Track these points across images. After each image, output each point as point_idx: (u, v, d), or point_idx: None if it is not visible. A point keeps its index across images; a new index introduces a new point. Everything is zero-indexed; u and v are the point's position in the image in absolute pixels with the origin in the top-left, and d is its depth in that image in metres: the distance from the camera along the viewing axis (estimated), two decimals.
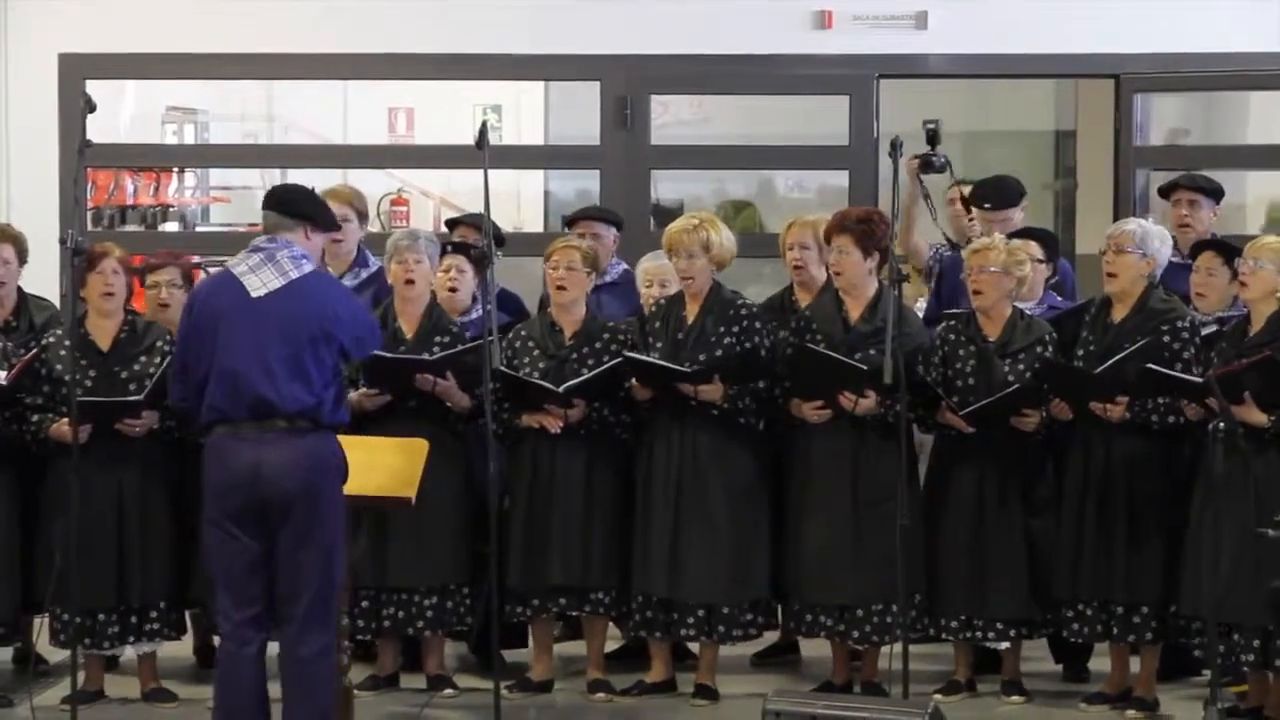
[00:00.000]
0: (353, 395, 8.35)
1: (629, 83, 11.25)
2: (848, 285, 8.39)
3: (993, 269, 8.32)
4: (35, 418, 8.25)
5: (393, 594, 8.43)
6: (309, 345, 6.92)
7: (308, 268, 7.04)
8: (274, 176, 13.37)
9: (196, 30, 11.13)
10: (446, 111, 13.48)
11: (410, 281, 8.52)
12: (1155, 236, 8.32)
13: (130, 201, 12.97)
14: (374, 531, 8.29)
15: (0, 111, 11.25)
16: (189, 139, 13.52)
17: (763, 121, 13.34)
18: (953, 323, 8.52)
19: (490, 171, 7.62)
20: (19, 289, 8.94)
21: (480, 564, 8.10)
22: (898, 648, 7.76)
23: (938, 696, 8.19)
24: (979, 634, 8.36)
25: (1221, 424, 7.54)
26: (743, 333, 8.39)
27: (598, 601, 8.49)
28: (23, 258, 8.89)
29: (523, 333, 8.64)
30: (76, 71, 10.98)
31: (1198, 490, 7.93)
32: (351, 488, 7.22)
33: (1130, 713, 8.22)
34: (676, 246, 8.46)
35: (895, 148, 7.87)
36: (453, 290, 8.77)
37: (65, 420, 7.96)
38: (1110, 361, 8.00)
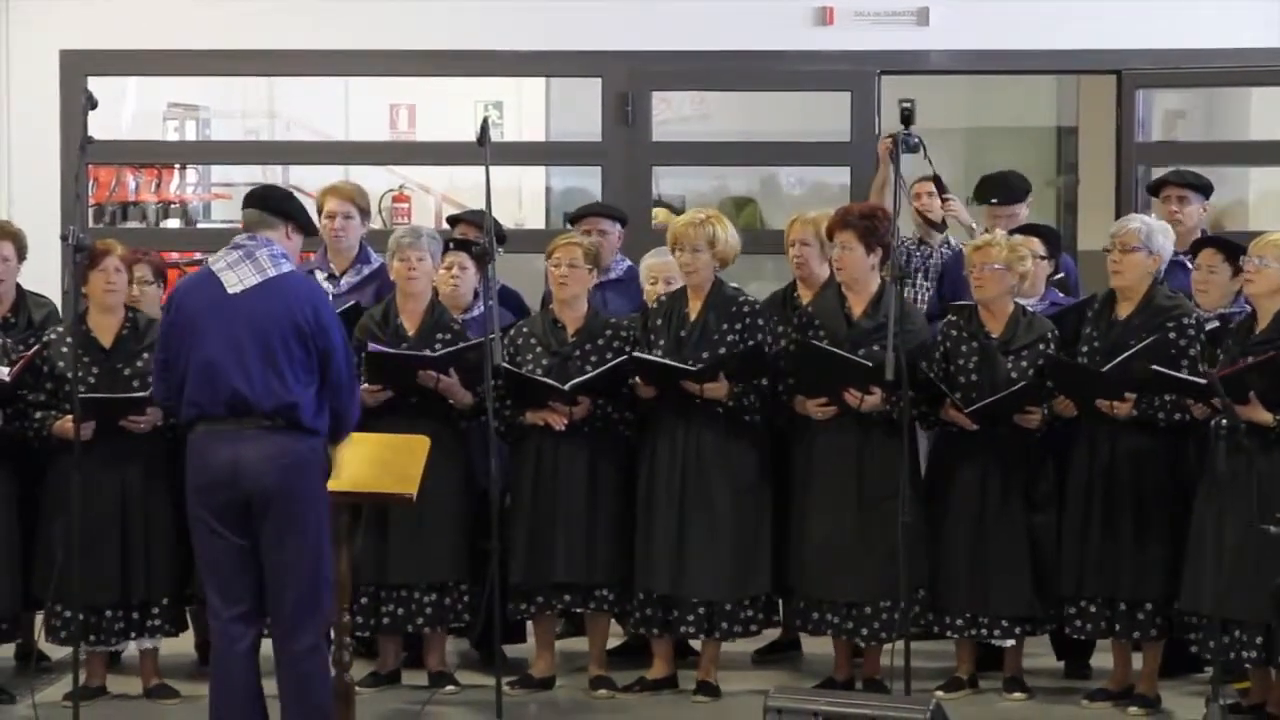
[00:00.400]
0: None
1: (630, 79, 11.24)
2: (850, 281, 8.39)
3: (995, 265, 8.32)
4: (38, 415, 8.25)
5: (392, 591, 8.43)
6: (282, 342, 6.89)
7: (286, 267, 7.02)
8: (276, 173, 13.38)
9: (198, 27, 11.13)
10: (448, 108, 13.46)
11: (412, 278, 8.52)
12: (1159, 232, 8.33)
13: (132, 198, 12.95)
14: (374, 528, 8.29)
15: (2, 108, 11.25)
16: (190, 135, 13.50)
17: (764, 118, 13.33)
18: (954, 318, 8.52)
19: (492, 168, 7.61)
20: (17, 286, 8.93)
21: (482, 561, 8.10)
22: (900, 644, 7.76)
23: (939, 693, 8.19)
24: (983, 631, 8.36)
25: (1224, 422, 7.53)
26: (746, 330, 8.39)
27: (602, 598, 8.50)
28: (22, 255, 8.89)
29: (525, 329, 8.64)
30: (78, 68, 10.98)
31: (1201, 487, 7.92)
32: (352, 484, 7.22)
33: (1132, 709, 8.23)
34: (682, 240, 8.45)
35: (897, 144, 7.87)
36: (454, 287, 8.77)
37: (69, 417, 7.96)
38: (1118, 359, 7.99)
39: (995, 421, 8.19)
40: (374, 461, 7.37)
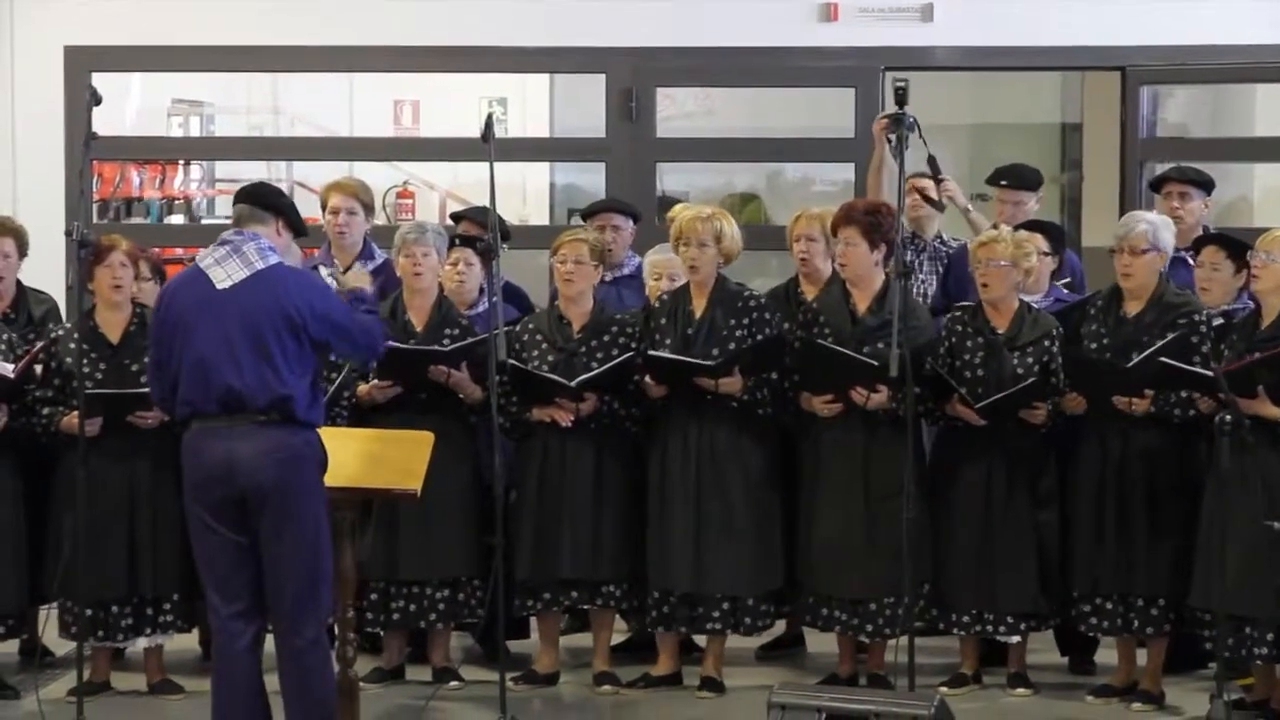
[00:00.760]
0: (363, 387, 8.38)
1: (634, 75, 11.25)
2: (854, 277, 8.38)
3: (1001, 262, 8.31)
4: (46, 411, 8.26)
5: (403, 587, 8.43)
6: (275, 334, 6.85)
7: (274, 259, 6.97)
8: (280, 169, 13.40)
9: (202, 23, 11.13)
10: (452, 104, 13.48)
11: (418, 274, 8.52)
12: (1163, 229, 8.33)
13: (136, 194, 12.97)
14: (384, 525, 8.30)
15: (6, 104, 11.26)
16: (194, 131, 13.52)
17: (768, 114, 13.34)
18: (959, 314, 8.51)
19: (496, 164, 7.61)
20: (18, 282, 8.93)
21: (490, 556, 8.10)
22: (904, 640, 7.76)
23: (944, 689, 8.19)
24: (989, 628, 8.36)
25: (1228, 417, 7.53)
26: (753, 324, 8.38)
27: (609, 595, 8.50)
28: (22, 251, 8.88)
29: (530, 325, 8.65)
30: (82, 64, 10.99)
31: (1208, 483, 7.92)
32: (356, 480, 7.22)
33: (1136, 705, 8.22)
34: (688, 234, 8.45)
35: (901, 140, 7.86)
36: (460, 283, 8.77)
37: (75, 413, 7.96)
38: (1143, 355, 7.97)
39: (1001, 417, 8.19)
40: (377, 457, 7.36)
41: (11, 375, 8.13)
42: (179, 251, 11.55)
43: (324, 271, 9.17)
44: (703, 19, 11.16)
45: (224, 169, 13.63)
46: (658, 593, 8.43)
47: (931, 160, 9.44)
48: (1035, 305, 8.50)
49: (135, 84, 12.89)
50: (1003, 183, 9.49)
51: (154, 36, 11.18)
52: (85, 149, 7.66)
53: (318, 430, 6.98)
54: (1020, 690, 8.43)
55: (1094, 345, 8.26)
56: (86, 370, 8.01)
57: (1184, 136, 12.60)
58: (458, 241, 8.84)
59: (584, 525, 8.43)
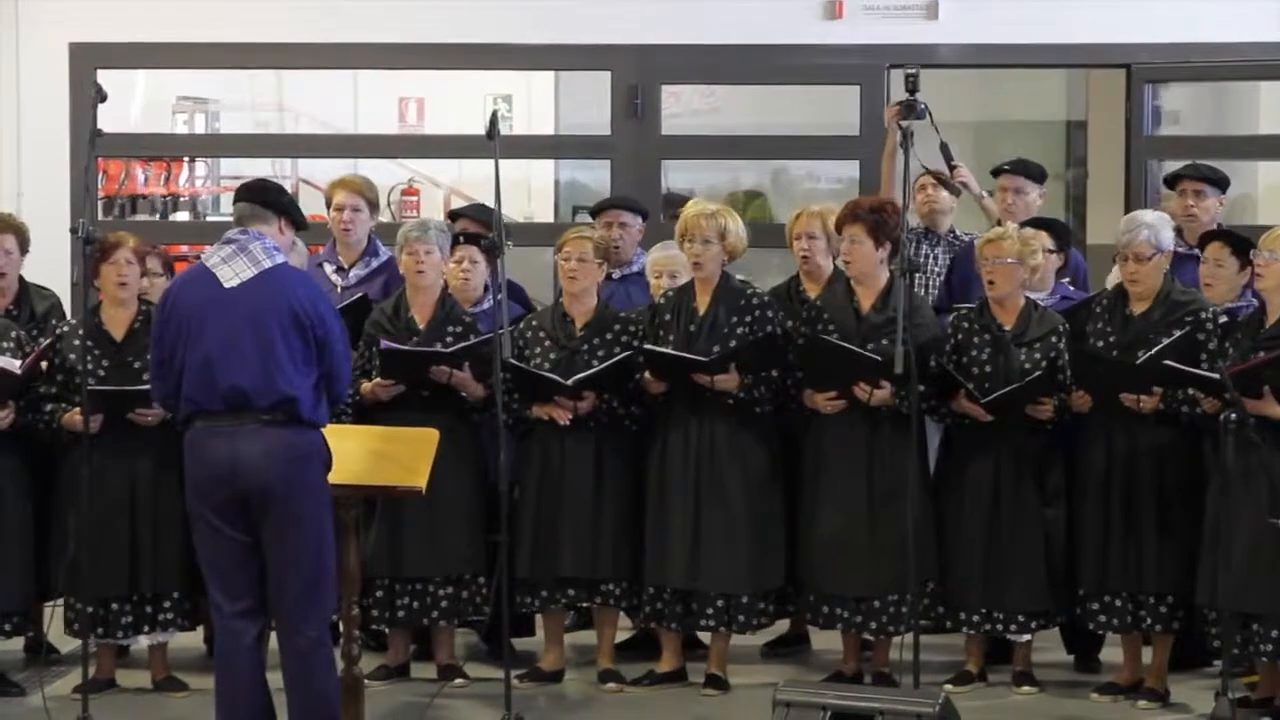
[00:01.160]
0: (366, 385, 8.37)
1: (640, 72, 11.25)
2: (859, 275, 8.38)
3: (1008, 260, 8.31)
4: (49, 407, 8.26)
5: (407, 584, 8.44)
6: (282, 333, 6.85)
7: (280, 258, 6.98)
8: (285, 166, 13.42)
9: (207, 20, 11.14)
10: (457, 101, 13.50)
11: (421, 272, 8.51)
12: (1162, 228, 8.31)
13: (141, 191, 12.98)
14: (389, 522, 8.31)
15: (12, 101, 11.27)
16: (199, 128, 13.54)
17: (773, 111, 13.34)
18: (965, 311, 8.52)
19: (501, 161, 7.61)
20: (20, 278, 8.93)
21: (494, 554, 8.10)
22: (908, 638, 7.76)
23: (949, 687, 8.19)
24: (998, 626, 8.36)
25: (1233, 416, 7.53)
26: (755, 322, 8.38)
27: (608, 593, 8.50)
28: (24, 247, 8.87)
29: (534, 323, 8.65)
30: (87, 61, 11.00)
31: (1213, 481, 7.92)
32: (361, 477, 7.23)
33: (1141, 703, 8.22)
34: (693, 230, 8.44)
35: (906, 137, 7.86)
36: (465, 280, 8.77)
37: (78, 410, 7.97)
38: (1152, 352, 7.97)
39: (1007, 413, 8.18)
40: (382, 455, 7.37)
41: (18, 372, 8.14)
42: (184, 249, 11.55)
43: (328, 269, 9.20)
44: (708, 16, 11.16)
45: (229, 166, 13.65)
46: (653, 588, 8.43)
47: (944, 147, 9.44)
48: (1041, 303, 8.50)
49: (140, 81, 12.91)
50: (1005, 168, 9.50)
51: (159, 33, 11.18)
52: (90, 146, 7.65)
53: (322, 430, 6.98)
54: (1026, 688, 8.43)
55: (1100, 344, 8.25)
56: (89, 367, 8.01)
57: (1188, 134, 12.58)
58: (463, 239, 8.84)
59: (584, 524, 8.43)
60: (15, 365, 8.16)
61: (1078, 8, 11.12)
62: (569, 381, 8.32)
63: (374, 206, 9.46)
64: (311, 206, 9.69)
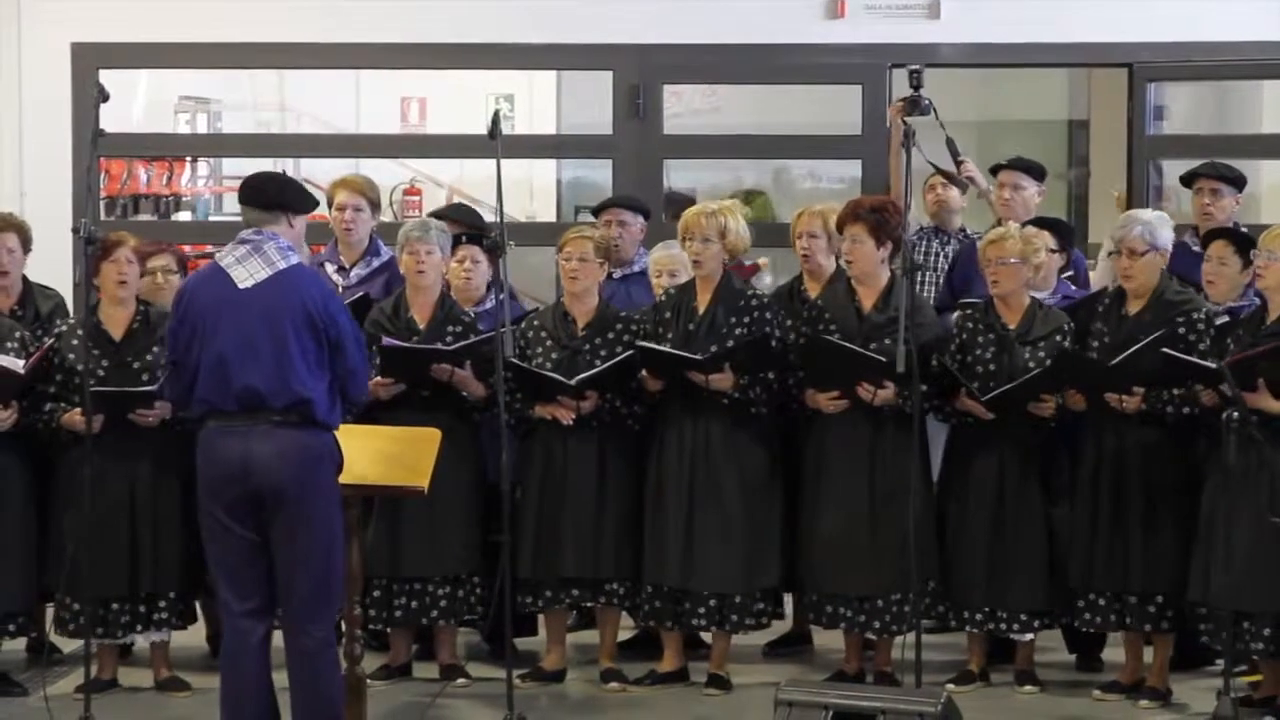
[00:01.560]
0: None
1: (641, 72, 11.24)
2: (861, 274, 8.38)
3: (1011, 259, 8.31)
4: (48, 407, 8.26)
5: (405, 584, 8.44)
6: (296, 335, 6.85)
7: (295, 259, 6.98)
8: (287, 166, 13.40)
9: (209, 20, 11.13)
10: (459, 101, 13.50)
11: (421, 271, 8.51)
12: (1160, 227, 8.30)
13: (143, 191, 12.99)
14: (387, 522, 8.31)
15: (14, 101, 11.27)
16: (201, 128, 13.56)
17: (775, 111, 13.34)
18: (970, 310, 8.52)
19: (503, 161, 7.61)
20: (24, 278, 8.92)
21: (495, 554, 8.10)
22: (910, 637, 7.76)
23: (951, 686, 8.19)
24: (1001, 625, 8.36)
25: (1235, 413, 7.53)
26: (753, 323, 8.38)
27: (611, 593, 8.50)
28: (27, 246, 8.86)
29: (535, 322, 8.65)
30: (90, 61, 11.00)
31: (1210, 479, 7.92)
32: (363, 477, 7.22)
33: (1143, 702, 8.22)
34: (693, 229, 8.45)
35: (908, 136, 7.87)
36: (467, 280, 8.77)
37: (78, 410, 7.97)
38: (1126, 353, 7.99)
39: (1010, 411, 8.18)
40: (385, 454, 7.37)
41: (21, 371, 8.14)
42: (187, 249, 11.55)
43: (329, 268, 9.20)
44: (710, 15, 11.16)
45: (231, 165, 13.65)
46: (650, 587, 8.43)
47: (950, 142, 9.44)
48: (1044, 302, 8.50)
49: (142, 80, 12.92)
50: (1004, 163, 9.51)
51: (161, 33, 11.18)
52: (92, 145, 7.65)
53: (334, 432, 6.98)
54: (1028, 687, 8.43)
55: (1096, 343, 8.26)
56: (89, 367, 7.99)
57: (1190, 133, 12.58)
58: (464, 239, 8.84)
59: (586, 523, 8.43)
60: (19, 365, 8.16)
61: (1079, 7, 11.11)
62: (572, 381, 8.32)
63: (375, 206, 9.46)
64: None
